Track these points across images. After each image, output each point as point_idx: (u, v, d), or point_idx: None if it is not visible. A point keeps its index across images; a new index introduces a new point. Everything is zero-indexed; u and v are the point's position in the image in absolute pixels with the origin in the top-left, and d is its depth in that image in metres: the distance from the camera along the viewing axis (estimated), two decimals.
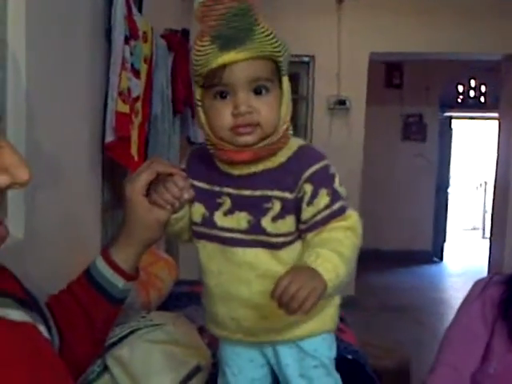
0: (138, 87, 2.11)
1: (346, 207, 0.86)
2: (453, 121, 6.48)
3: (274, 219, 0.84)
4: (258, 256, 0.86)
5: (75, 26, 1.71)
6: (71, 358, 0.78)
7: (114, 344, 1.15)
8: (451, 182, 6.70)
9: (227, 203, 0.86)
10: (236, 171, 0.86)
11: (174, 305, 1.88)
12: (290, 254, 0.86)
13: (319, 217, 0.84)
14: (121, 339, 1.16)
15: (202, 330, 1.29)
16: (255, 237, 0.85)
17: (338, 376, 0.95)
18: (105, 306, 0.84)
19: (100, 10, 1.90)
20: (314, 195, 0.84)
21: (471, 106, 6.40)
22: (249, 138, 0.82)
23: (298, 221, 0.86)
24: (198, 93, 0.85)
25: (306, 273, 0.76)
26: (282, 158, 0.86)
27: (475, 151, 8.92)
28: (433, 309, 4.65)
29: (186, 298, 2.02)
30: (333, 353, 0.94)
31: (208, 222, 0.88)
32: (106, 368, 1.14)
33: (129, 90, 1.97)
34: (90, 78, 1.85)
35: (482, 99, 6.37)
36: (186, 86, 2.81)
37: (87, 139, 1.87)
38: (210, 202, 0.88)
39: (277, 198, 0.84)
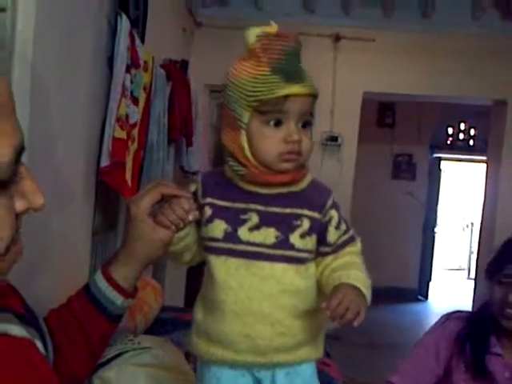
0: (135, 114, 2.15)
1: (356, 235, 0.97)
2: (442, 162, 6.59)
3: (303, 236, 0.91)
4: (285, 270, 0.91)
5: (79, 52, 1.76)
6: (66, 372, 0.80)
7: (101, 365, 1.15)
8: (439, 221, 6.77)
9: (254, 219, 0.91)
10: (264, 190, 0.92)
11: (159, 331, 1.89)
12: (309, 270, 0.94)
13: (340, 241, 0.94)
14: (108, 361, 1.17)
15: (188, 355, 1.30)
16: (282, 252, 0.91)
17: None
18: (102, 322, 0.86)
19: (104, 38, 1.96)
20: (340, 221, 0.95)
21: (460, 148, 6.52)
22: (291, 166, 0.90)
23: (320, 242, 0.94)
24: (245, 116, 0.89)
25: (351, 289, 0.86)
26: (303, 184, 0.95)
27: (463, 193, 9.03)
28: None
29: (171, 324, 2.03)
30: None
31: (231, 237, 0.91)
32: None
33: (127, 116, 2.02)
34: (90, 103, 1.89)
35: (471, 142, 6.50)
36: (182, 116, 2.86)
37: (83, 163, 1.91)
38: (233, 218, 0.92)
39: (306, 216, 0.92)
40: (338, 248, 0.94)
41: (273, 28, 0.88)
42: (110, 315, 0.87)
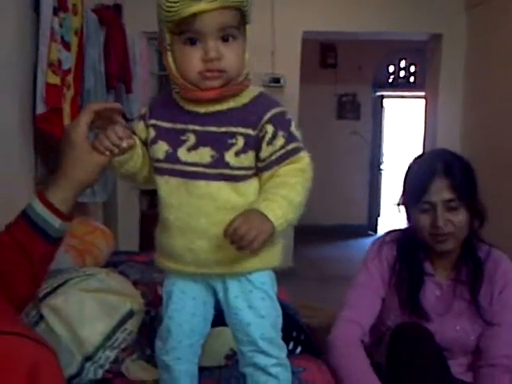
0: (68, 60, 2.12)
1: (300, 149, 0.95)
2: (384, 100, 6.72)
3: (238, 154, 0.92)
4: (220, 188, 0.94)
5: None
6: (12, 294, 0.83)
7: (49, 294, 1.19)
8: (384, 159, 6.96)
9: (191, 139, 0.93)
10: (202, 109, 0.93)
11: None
12: (248, 187, 0.95)
13: (274, 157, 0.93)
14: (55, 289, 1.21)
15: (135, 284, 1.35)
16: (218, 170, 0.93)
17: (279, 308, 1.02)
18: (42, 244, 0.89)
19: None
20: (274, 136, 0.92)
21: (401, 85, 6.64)
22: (215, 83, 0.90)
23: (257, 158, 0.94)
24: (167, 38, 0.90)
25: (257, 216, 0.86)
26: (244, 99, 0.94)
27: (406, 130, 9.26)
28: None
29: (123, 266, 2.06)
30: (276, 288, 1.02)
31: (171, 157, 0.94)
32: (41, 317, 1.18)
33: (59, 61, 1.98)
34: (18, 49, 1.84)
35: (412, 79, 6.63)
36: (120, 63, 2.81)
37: (18, 111, 1.87)
38: (174, 139, 0.94)
39: (241, 134, 0.92)
40: (271, 164, 0.93)
41: None
42: (49, 237, 0.90)
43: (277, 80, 4.17)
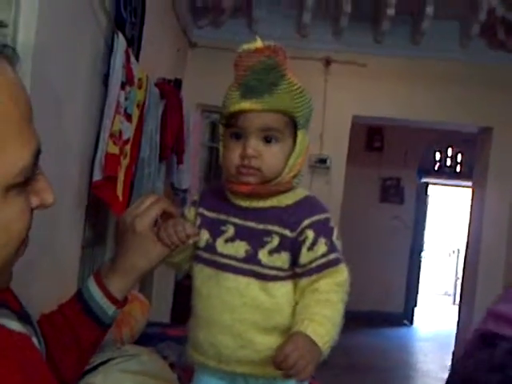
0: (128, 130, 2.19)
1: (341, 260, 0.92)
2: (429, 186, 6.68)
3: (271, 252, 0.91)
4: (248, 284, 0.92)
5: (76, 69, 1.81)
6: (55, 375, 0.81)
7: (88, 371, 1.17)
8: (425, 246, 6.82)
9: (230, 231, 0.94)
10: (245, 203, 0.94)
11: (145, 345, 1.89)
12: (277, 288, 0.92)
13: (314, 264, 0.90)
14: (95, 367, 1.19)
15: (172, 366, 1.32)
16: (249, 266, 0.92)
17: None
18: (93, 329, 0.88)
19: (100, 56, 2.00)
20: (315, 242, 0.91)
21: (447, 173, 6.62)
22: (250, 179, 0.91)
23: (293, 261, 0.92)
24: (220, 130, 0.95)
25: (306, 342, 0.81)
26: (288, 200, 0.94)
27: (449, 218, 9.11)
28: (400, 371, 4.65)
29: (157, 339, 2.03)
30: None
31: (210, 247, 0.95)
32: None
33: (120, 132, 2.05)
34: (86, 118, 1.93)
35: (458, 168, 6.60)
36: (174, 134, 2.90)
37: (76, 177, 1.93)
38: (215, 229, 0.95)
39: (277, 233, 0.91)
40: (311, 271, 0.90)
41: (252, 44, 0.90)
42: (102, 323, 0.89)
43: (324, 161, 4.22)
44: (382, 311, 6.34)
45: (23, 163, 0.58)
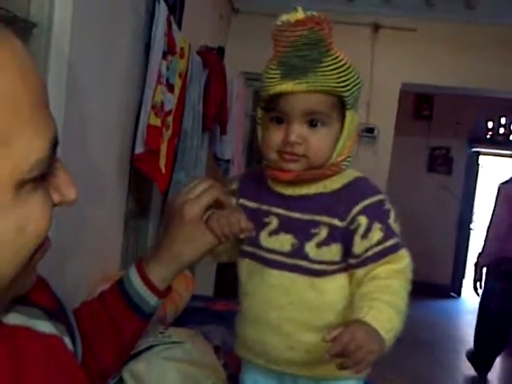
0: (171, 101, 2.14)
1: (400, 246, 0.83)
2: (480, 156, 6.42)
3: (319, 245, 0.83)
4: (295, 281, 0.84)
5: (116, 39, 1.75)
6: (94, 366, 0.78)
7: (132, 358, 1.15)
8: (475, 218, 6.60)
9: (274, 223, 0.86)
10: (288, 191, 0.86)
11: (188, 320, 1.87)
12: (327, 284, 0.84)
13: (370, 252, 0.82)
14: (138, 354, 1.16)
15: (217, 350, 1.29)
16: (295, 261, 0.84)
17: None
18: (134, 320, 0.83)
19: (141, 24, 1.94)
20: (369, 229, 0.82)
21: (500, 142, 6.33)
22: (293, 166, 0.82)
23: (346, 252, 0.83)
24: (259, 112, 0.87)
25: (365, 332, 0.72)
26: (336, 184, 0.85)
27: None
28: (447, 344, 4.56)
29: (200, 313, 2.02)
30: None
31: (254, 240, 0.87)
32: (121, 380, 1.14)
33: (162, 103, 2.00)
34: (127, 89, 1.88)
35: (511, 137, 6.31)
36: (217, 104, 2.84)
37: (118, 150, 1.90)
38: (257, 221, 0.86)
39: (325, 223, 0.83)
40: (367, 260, 0.82)
41: (293, 15, 0.79)
42: (143, 314, 0.84)
43: (371, 130, 4.08)
44: (429, 282, 6.20)
45: (37, 155, 0.48)
